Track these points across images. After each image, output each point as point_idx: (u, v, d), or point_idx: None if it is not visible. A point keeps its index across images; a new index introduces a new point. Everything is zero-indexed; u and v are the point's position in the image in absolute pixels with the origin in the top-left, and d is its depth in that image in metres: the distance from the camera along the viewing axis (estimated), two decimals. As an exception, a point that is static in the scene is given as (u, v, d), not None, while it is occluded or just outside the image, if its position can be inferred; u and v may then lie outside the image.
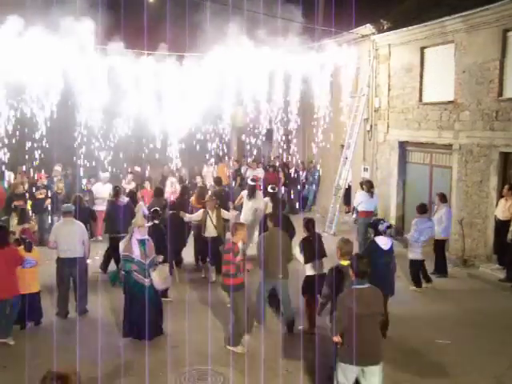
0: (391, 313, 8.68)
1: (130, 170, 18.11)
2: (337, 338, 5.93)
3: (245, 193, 13.85)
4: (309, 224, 9.21)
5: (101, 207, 14.23)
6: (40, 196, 14.36)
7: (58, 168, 16.76)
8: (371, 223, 9.44)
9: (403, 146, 15.88)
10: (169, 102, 15.41)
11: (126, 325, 8.71)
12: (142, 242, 8.68)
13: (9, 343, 8.49)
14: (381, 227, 8.80)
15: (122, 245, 8.96)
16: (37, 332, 8.96)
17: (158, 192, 13.34)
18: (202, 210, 12.09)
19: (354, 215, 11.56)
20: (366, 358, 5.83)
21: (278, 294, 9.16)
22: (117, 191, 12.72)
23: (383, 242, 8.62)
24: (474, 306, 10.36)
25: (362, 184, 14.08)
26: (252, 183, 13.73)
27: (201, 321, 9.40)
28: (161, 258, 9.22)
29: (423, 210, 11.49)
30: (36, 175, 15.96)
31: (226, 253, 8.16)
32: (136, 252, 8.55)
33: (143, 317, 8.34)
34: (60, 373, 3.56)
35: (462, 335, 8.93)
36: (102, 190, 15.25)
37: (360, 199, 13.61)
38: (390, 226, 9.15)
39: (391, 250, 8.70)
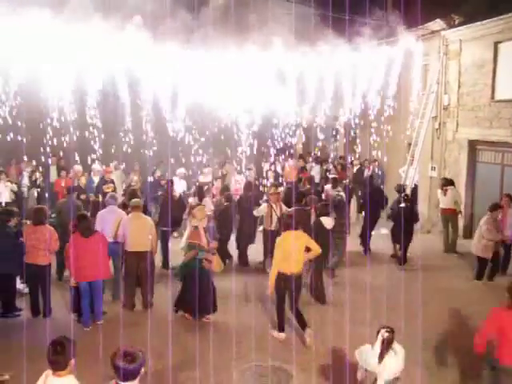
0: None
1: (207, 164, 17.84)
2: None
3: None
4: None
5: None
6: (107, 190, 14.27)
7: (78, 167, 15.90)
8: (321, 205, 11.08)
9: (473, 144, 15.40)
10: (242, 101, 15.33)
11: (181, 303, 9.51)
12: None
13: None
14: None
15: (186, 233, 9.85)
16: (103, 324, 9.18)
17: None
18: (265, 204, 12.24)
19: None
20: None
21: None
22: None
23: (327, 222, 10.51)
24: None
25: None
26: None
27: (266, 317, 9.49)
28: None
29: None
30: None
31: None
32: (203, 240, 9.25)
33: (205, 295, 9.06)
34: (128, 350, 4.05)
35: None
36: (178, 185, 15.34)
37: (438, 197, 14.51)
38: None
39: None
